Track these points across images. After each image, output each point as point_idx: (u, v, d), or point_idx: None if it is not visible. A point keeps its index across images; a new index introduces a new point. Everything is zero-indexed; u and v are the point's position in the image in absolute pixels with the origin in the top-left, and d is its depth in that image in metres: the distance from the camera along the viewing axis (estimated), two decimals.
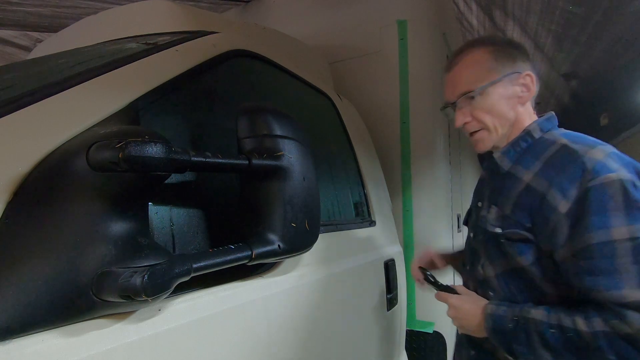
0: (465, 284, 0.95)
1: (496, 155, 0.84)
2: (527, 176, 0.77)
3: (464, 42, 1.06)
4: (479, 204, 0.91)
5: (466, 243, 0.98)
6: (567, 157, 0.72)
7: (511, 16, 2.95)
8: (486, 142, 0.85)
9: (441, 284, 0.93)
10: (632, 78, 4.11)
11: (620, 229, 0.64)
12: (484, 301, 0.81)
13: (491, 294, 0.83)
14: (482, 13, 2.97)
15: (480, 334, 0.79)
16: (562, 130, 0.82)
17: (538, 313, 0.71)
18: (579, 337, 0.66)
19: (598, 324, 0.65)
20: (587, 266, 0.66)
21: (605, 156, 0.68)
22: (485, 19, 3.04)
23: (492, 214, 0.82)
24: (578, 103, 4.88)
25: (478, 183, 1.01)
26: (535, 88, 0.82)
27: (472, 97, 0.82)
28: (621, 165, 0.68)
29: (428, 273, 0.97)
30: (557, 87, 4.37)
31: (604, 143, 0.73)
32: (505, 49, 0.83)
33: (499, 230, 0.79)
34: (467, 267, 0.94)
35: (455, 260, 1.12)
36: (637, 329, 0.62)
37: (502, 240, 0.79)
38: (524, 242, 0.76)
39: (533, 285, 0.77)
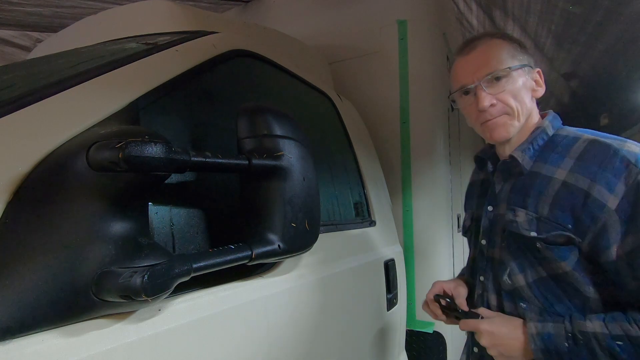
0: (477, 299, 0.89)
1: (516, 154, 0.79)
2: (560, 174, 0.72)
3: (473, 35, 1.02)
4: (490, 208, 0.85)
5: (476, 252, 0.92)
6: (604, 152, 0.68)
7: (511, 16, 2.94)
8: (508, 127, 0.78)
9: (462, 310, 0.85)
10: (632, 78, 4.11)
11: None
12: (519, 320, 0.74)
13: (523, 305, 0.76)
14: (482, 13, 2.97)
15: (527, 357, 0.71)
16: (572, 128, 0.81)
17: (596, 325, 0.65)
18: None
19: None
20: None
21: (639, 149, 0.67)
22: (485, 19, 3.04)
23: (522, 217, 0.76)
24: (578, 103, 4.87)
25: (473, 187, 0.98)
26: (544, 86, 0.81)
27: (498, 78, 0.77)
28: None
29: (447, 299, 0.87)
30: (557, 87, 4.37)
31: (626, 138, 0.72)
32: (520, 42, 0.82)
33: (533, 234, 0.73)
34: (480, 278, 0.88)
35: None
36: None
37: (537, 245, 0.73)
38: (566, 245, 0.70)
39: (575, 291, 0.71)
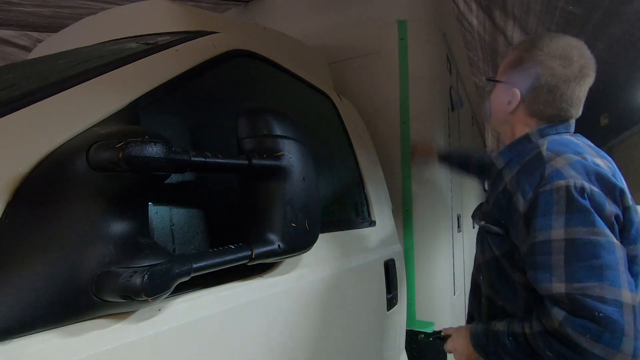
0: (472, 271, 1.06)
1: (493, 155, 0.94)
2: (507, 178, 0.85)
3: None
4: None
5: None
6: (535, 163, 0.79)
7: (511, 16, 2.94)
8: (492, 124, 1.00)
9: (434, 332, 1.07)
10: (632, 78, 4.11)
11: (558, 231, 0.71)
12: (466, 327, 0.91)
13: (481, 277, 0.95)
14: (482, 13, 2.97)
15: (474, 355, 0.87)
16: (563, 136, 0.84)
17: (501, 325, 0.80)
18: (526, 340, 0.74)
19: (536, 324, 0.73)
20: (532, 261, 0.74)
21: (565, 164, 0.74)
22: (485, 19, 3.04)
23: (483, 208, 0.94)
24: None
25: None
26: (516, 104, 0.90)
27: (487, 83, 0.95)
28: (579, 173, 0.72)
29: (421, 336, 1.14)
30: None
31: (580, 151, 0.77)
32: (528, 59, 0.88)
33: (482, 222, 0.91)
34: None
35: (452, 160, 1.39)
36: (559, 322, 0.67)
37: (485, 232, 0.90)
38: (497, 235, 0.86)
39: (505, 274, 0.86)
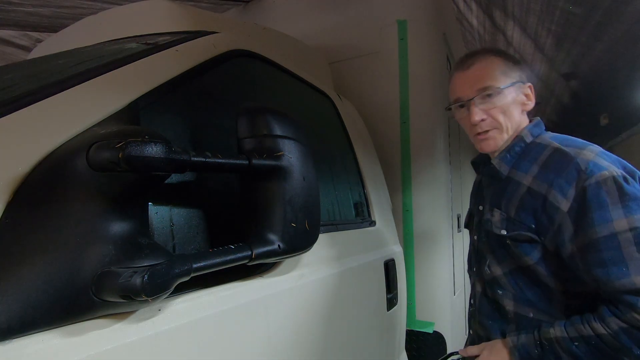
0: (472, 287, 0.99)
1: (494, 161, 0.89)
2: (527, 180, 0.81)
3: (467, 46, 1.18)
4: (480, 207, 0.95)
5: (470, 245, 1.02)
6: (562, 160, 0.76)
7: (511, 16, 2.94)
8: (497, 141, 0.88)
9: (447, 357, 1.00)
10: (632, 78, 4.11)
11: (620, 221, 0.68)
12: (498, 342, 0.84)
13: (500, 292, 0.87)
14: (482, 13, 2.97)
15: None
16: (551, 133, 0.88)
17: (557, 331, 0.74)
18: (602, 341, 0.69)
19: (614, 322, 0.67)
20: (595, 259, 0.69)
21: (595, 155, 0.74)
22: (485, 19, 3.04)
23: (496, 217, 0.86)
24: (578, 103, 4.87)
25: (474, 186, 1.05)
26: (534, 99, 0.88)
27: (490, 95, 0.85)
28: (610, 162, 0.73)
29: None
30: (557, 87, 4.37)
31: (591, 143, 0.79)
32: (514, 59, 0.90)
33: (504, 232, 0.83)
34: (473, 268, 0.98)
35: None
36: None
37: (507, 242, 0.83)
38: (529, 243, 0.80)
39: (540, 281, 0.81)
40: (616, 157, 0.76)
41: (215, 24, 1.03)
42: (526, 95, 0.89)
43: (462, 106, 0.90)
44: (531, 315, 0.82)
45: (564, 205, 0.73)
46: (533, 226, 0.79)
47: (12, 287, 0.40)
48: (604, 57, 3.53)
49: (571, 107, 5.00)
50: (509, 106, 0.86)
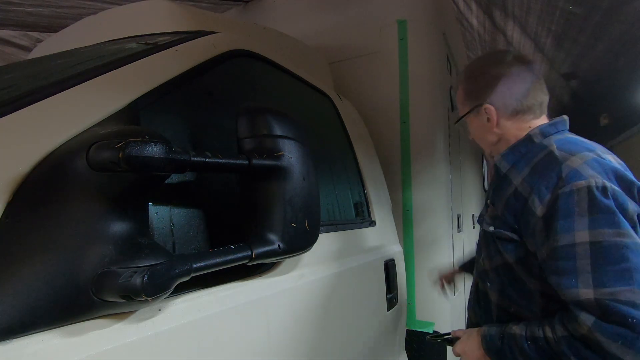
0: (475, 277, 1.03)
1: (497, 158, 0.90)
2: (517, 180, 0.82)
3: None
4: (488, 201, 0.96)
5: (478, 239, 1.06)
6: (549, 164, 0.76)
7: (511, 16, 2.94)
8: (486, 154, 0.98)
9: (441, 336, 1.05)
10: (632, 78, 4.11)
11: (582, 233, 0.68)
12: (476, 329, 0.89)
13: (488, 284, 0.91)
14: (482, 13, 2.97)
15: (485, 359, 0.84)
16: (564, 134, 0.85)
17: (518, 328, 0.77)
18: (548, 345, 0.72)
19: (560, 329, 0.70)
20: (554, 266, 0.71)
21: (582, 163, 0.72)
22: (485, 19, 3.04)
23: (489, 212, 0.89)
24: (578, 103, 4.87)
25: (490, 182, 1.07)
26: (495, 117, 0.89)
27: (465, 126, 0.97)
28: (598, 172, 0.70)
29: (428, 337, 1.12)
30: (557, 87, 4.36)
31: (592, 148, 0.76)
32: (471, 85, 0.93)
33: (491, 228, 0.86)
34: (477, 259, 1.01)
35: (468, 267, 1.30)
36: (588, 329, 0.64)
37: (495, 238, 0.86)
38: (510, 242, 0.82)
39: (520, 280, 0.82)
40: (613, 166, 0.73)
41: (215, 24, 1.03)
42: (488, 118, 0.90)
43: None
44: (512, 310, 0.85)
45: (540, 210, 0.73)
46: (515, 226, 0.80)
47: (13, 287, 0.40)
48: (604, 57, 3.53)
49: (571, 107, 5.00)
50: (473, 132, 0.96)
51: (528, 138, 0.85)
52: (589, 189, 0.68)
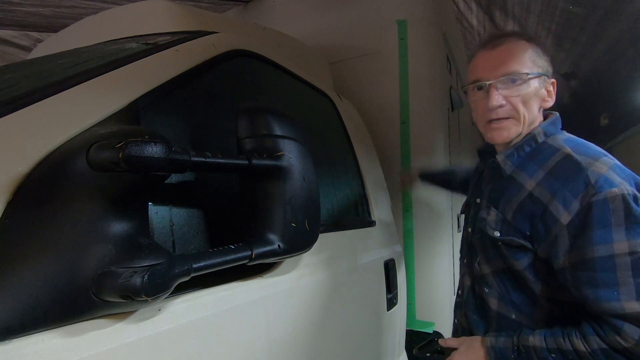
0: (461, 277, 0.98)
1: (500, 158, 0.84)
2: (530, 184, 0.77)
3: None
4: (478, 200, 0.91)
5: (463, 235, 0.99)
6: (571, 169, 0.72)
7: (511, 16, 2.94)
8: (511, 132, 0.82)
9: (428, 347, 1.00)
10: (632, 78, 4.11)
11: (621, 244, 0.65)
12: (477, 339, 0.84)
13: (487, 290, 0.87)
14: (482, 13, 2.97)
15: None
16: (565, 135, 0.82)
17: (536, 339, 0.73)
18: (579, 358, 0.68)
19: (596, 342, 0.67)
20: (588, 278, 0.68)
21: (608, 169, 0.69)
22: (485, 19, 3.04)
23: (492, 216, 0.83)
24: (578, 103, 4.87)
25: (476, 174, 1.00)
26: (555, 97, 0.83)
27: (514, 81, 0.79)
28: (623, 178, 0.68)
29: (415, 350, 1.08)
30: (557, 87, 4.36)
31: (606, 153, 0.74)
32: (544, 48, 0.83)
33: (497, 234, 0.81)
34: (464, 260, 0.97)
35: (435, 178, 1.39)
36: (634, 342, 0.63)
37: (498, 243, 0.81)
38: (520, 248, 0.78)
39: (526, 286, 0.80)
40: (631, 172, 0.72)
41: (215, 24, 1.03)
42: (548, 92, 0.83)
43: (480, 88, 0.83)
44: (513, 317, 0.82)
45: (564, 217, 0.70)
46: (527, 233, 0.76)
47: (12, 287, 0.40)
48: (604, 57, 3.53)
49: (571, 107, 5.00)
50: (531, 97, 0.79)
51: (532, 137, 0.81)
52: (623, 197, 0.66)
